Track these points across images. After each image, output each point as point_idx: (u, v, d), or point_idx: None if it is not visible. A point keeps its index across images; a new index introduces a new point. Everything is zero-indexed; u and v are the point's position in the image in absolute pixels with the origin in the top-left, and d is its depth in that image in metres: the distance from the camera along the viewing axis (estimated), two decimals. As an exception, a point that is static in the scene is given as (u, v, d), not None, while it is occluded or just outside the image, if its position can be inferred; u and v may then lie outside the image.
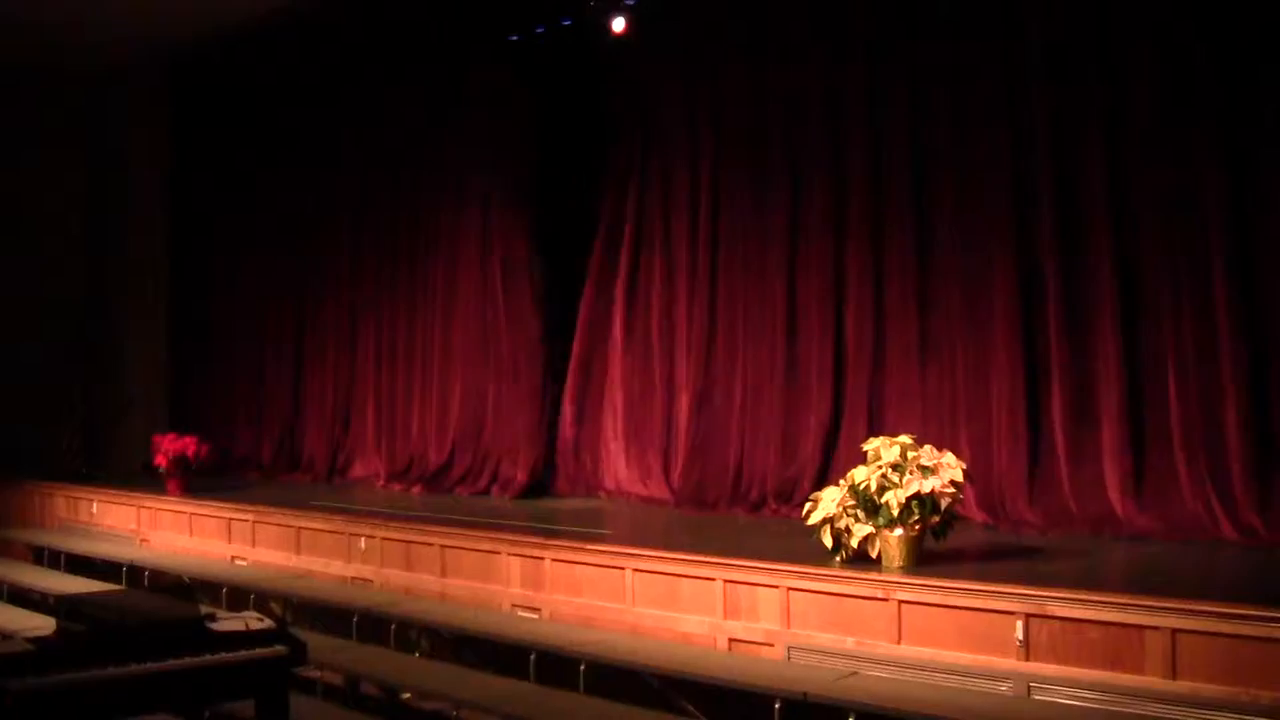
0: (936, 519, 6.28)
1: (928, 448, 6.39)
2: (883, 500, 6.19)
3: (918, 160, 8.71)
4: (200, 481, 11.44)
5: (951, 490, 6.23)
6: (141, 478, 12.31)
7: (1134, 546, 7.31)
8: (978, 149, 8.37)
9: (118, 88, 14.56)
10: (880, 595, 6.07)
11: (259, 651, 5.28)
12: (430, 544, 8.43)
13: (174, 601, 6.29)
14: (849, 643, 6.13)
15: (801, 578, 6.40)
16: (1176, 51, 7.53)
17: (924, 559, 6.33)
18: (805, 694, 5.69)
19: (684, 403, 9.97)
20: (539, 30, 11.12)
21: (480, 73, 11.40)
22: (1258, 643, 5.04)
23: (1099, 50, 7.88)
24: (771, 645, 6.41)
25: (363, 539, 8.86)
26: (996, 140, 8.27)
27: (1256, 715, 4.93)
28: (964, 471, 6.40)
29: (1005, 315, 8.17)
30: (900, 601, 5.99)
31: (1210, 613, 5.22)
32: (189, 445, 11.37)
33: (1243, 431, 7.23)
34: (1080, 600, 5.54)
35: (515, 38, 11.23)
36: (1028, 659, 5.55)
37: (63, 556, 11.01)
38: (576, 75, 11.03)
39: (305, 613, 8.60)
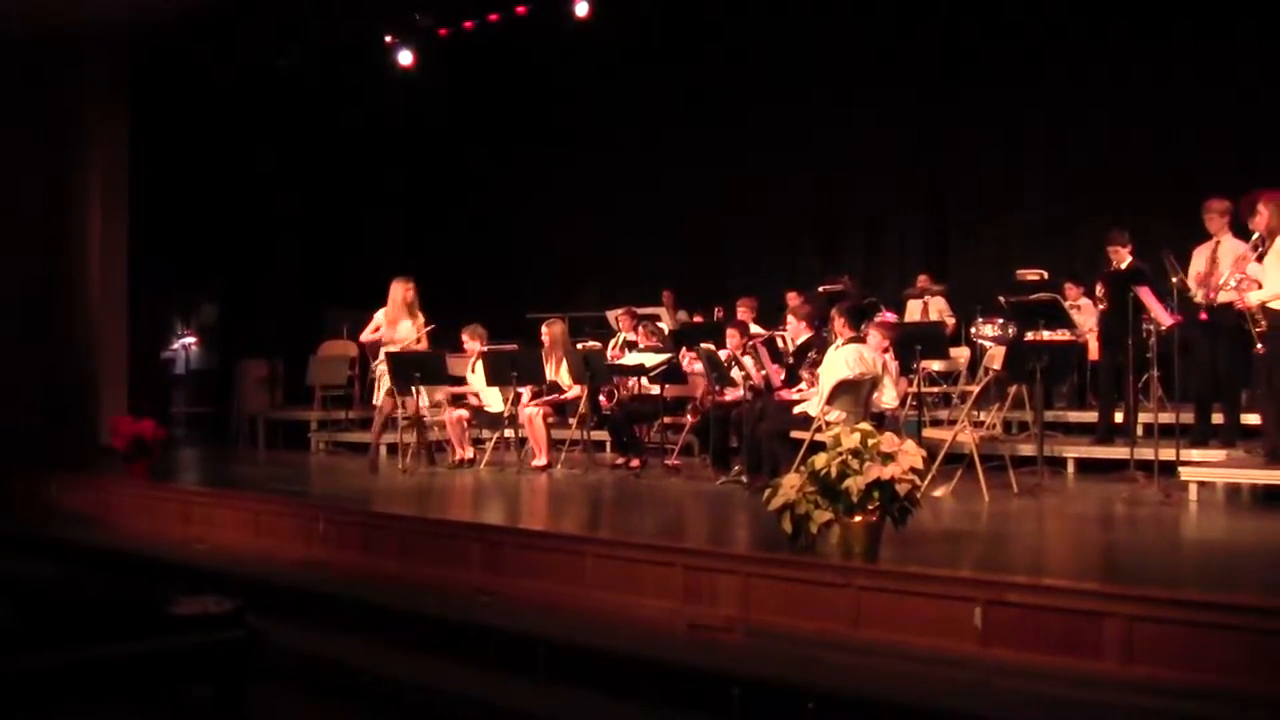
0: (896, 506, 6.31)
1: (888, 435, 6.41)
2: (843, 486, 6.21)
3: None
4: (159, 463, 11.36)
5: (911, 477, 6.25)
6: (100, 460, 12.21)
7: (1089, 534, 7.35)
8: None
9: (77, 71, 14.39)
10: (840, 581, 6.08)
11: (218, 635, 5.25)
12: (389, 528, 8.40)
13: (132, 585, 6.26)
14: (808, 629, 6.14)
15: (761, 563, 6.42)
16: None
17: (884, 545, 6.36)
18: (764, 679, 5.69)
19: None
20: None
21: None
22: (1213, 630, 5.10)
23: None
24: (731, 630, 6.42)
25: (321, 522, 8.83)
26: None
27: (1211, 701, 4.98)
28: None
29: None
30: (860, 588, 5.99)
31: (1166, 600, 5.27)
32: (146, 428, 11.28)
33: None
34: (1038, 588, 5.59)
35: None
36: (986, 646, 5.58)
37: (19, 539, 10.89)
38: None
39: (264, 596, 8.52)
